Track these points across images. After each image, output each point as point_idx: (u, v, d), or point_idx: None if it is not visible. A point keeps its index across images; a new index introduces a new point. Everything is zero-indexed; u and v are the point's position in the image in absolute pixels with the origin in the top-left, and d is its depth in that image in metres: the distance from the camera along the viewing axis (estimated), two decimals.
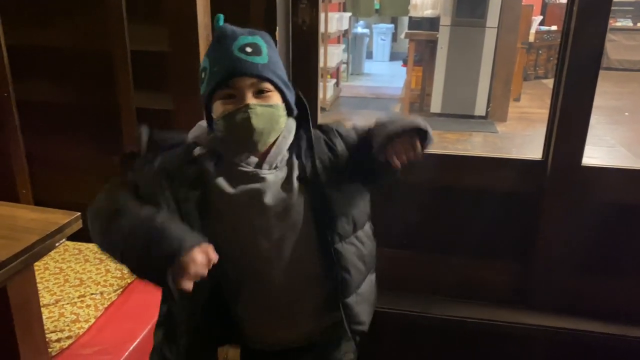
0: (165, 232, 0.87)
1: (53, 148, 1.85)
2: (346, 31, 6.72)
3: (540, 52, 7.01)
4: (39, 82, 1.81)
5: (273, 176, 1.03)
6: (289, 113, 1.06)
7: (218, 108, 1.00)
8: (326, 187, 1.03)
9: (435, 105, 5.19)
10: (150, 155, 1.03)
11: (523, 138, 4.74)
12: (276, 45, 1.20)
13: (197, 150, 1.04)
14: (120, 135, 1.74)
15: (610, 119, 5.18)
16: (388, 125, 1.00)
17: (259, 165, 1.03)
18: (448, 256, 1.82)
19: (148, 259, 0.86)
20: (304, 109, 1.08)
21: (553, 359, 1.81)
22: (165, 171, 1.00)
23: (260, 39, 1.02)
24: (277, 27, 1.58)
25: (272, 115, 1.00)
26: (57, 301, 1.48)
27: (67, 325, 1.39)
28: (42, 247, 1.06)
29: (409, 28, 5.61)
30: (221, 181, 1.01)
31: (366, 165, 1.05)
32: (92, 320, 1.44)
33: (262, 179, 1.02)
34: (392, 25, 8.74)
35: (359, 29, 7.94)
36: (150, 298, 1.55)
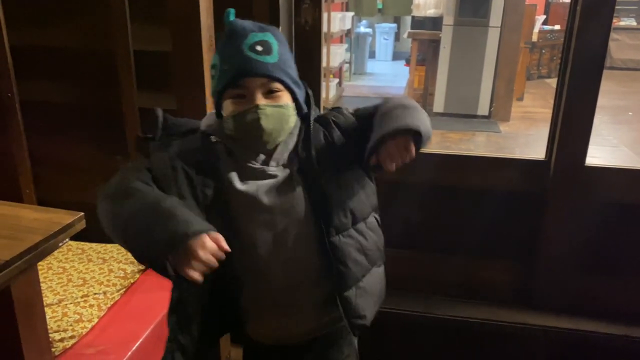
0: (171, 213, 0.85)
1: (56, 148, 1.86)
2: (349, 31, 6.71)
3: (543, 51, 7.00)
4: (42, 82, 1.81)
5: (280, 173, 1.03)
6: (299, 111, 1.05)
7: (228, 107, 1.01)
8: (322, 179, 1.02)
9: (438, 105, 5.18)
10: (164, 140, 1.03)
11: (526, 138, 4.73)
12: None
13: (213, 139, 1.04)
14: (123, 135, 1.74)
15: (614, 119, 5.16)
16: (384, 122, 0.98)
17: (266, 162, 1.03)
18: (451, 256, 1.82)
19: (150, 241, 0.84)
20: (309, 105, 1.07)
21: (555, 359, 1.80)
22: (181, 156, 0.99)
23: (271, 36, 1.01)
24: (280, 27, 1.58)
25: (281, 116, 1.00)
26: (60, 301, 1.48)
27: (70, 325, 1.40)
28: (45, 247, 1.06)
29: (412, 27, 5.60)
30: (233, 175, 1.01)
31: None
32: (95, 320, 1.44)
33: (269, 176, 1.02)
34: (394, 25, 8.73)
35: (362, 29, 7.93)
36: (154, 298, 1.56)
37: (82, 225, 1.16)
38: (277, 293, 1.05)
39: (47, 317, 1.27)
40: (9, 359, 1.08)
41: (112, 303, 1.52)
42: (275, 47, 1.00)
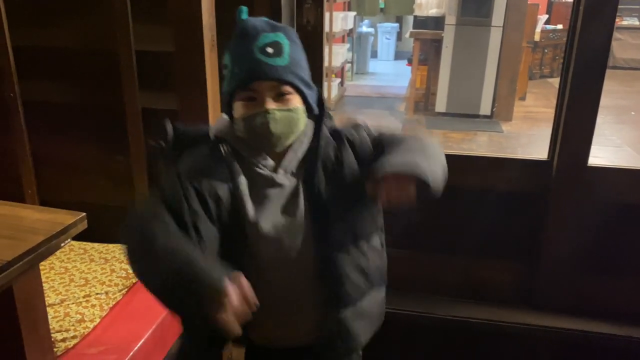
0: (193, 270, 0.83)
1: (58, 148, 1.86)
2: (351, 30, 6.71)
3: (545, 51, 6.98)
4: (45, 82, 1.81)
5: (288, 182, 1.02)
6: (310, 113, 1.04)
7: (238, 109, 1.00)
8: (325, 193, 1.01)
9: (440, 105, 5.17)
10: (172, 155, 1.03)
11: (528, 137, 4.72)
12: None
13: (224, 146, 1.03)
14: (125, 135, 1.74)
15: (617, 119, 5.15)
16: (391, 157, 0.95)
17: (274, 169, 1.02)
18: (452, 256, 1.82)
19: (182, 305, 0.87)
20: (321, 109, 1.06)
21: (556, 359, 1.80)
22: (191, 173, 0.99)
23: (283, 36, 1.00)
24: None
25: (291, 119, 1.00)
26: (62, 301, 1.48)
27: (73, 325, 1.40)
28: (47, 247, 1.06)
29: (414, 27, 5.59)
30: (242, 180, 1.01)
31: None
32: (97, 320, 1.45)
33: (278, 185, 1.02)
34: (397, 25, 8.72)
35: (364, 28, 7.92)
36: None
37: (84, 225, 1.16)
38: (277, 294, 1.05)
39: (49, 317, 1.27)
40: (11, 359, 1.09)
41: (114, 303, 1.52)
42: (286, 48, 0.99)
